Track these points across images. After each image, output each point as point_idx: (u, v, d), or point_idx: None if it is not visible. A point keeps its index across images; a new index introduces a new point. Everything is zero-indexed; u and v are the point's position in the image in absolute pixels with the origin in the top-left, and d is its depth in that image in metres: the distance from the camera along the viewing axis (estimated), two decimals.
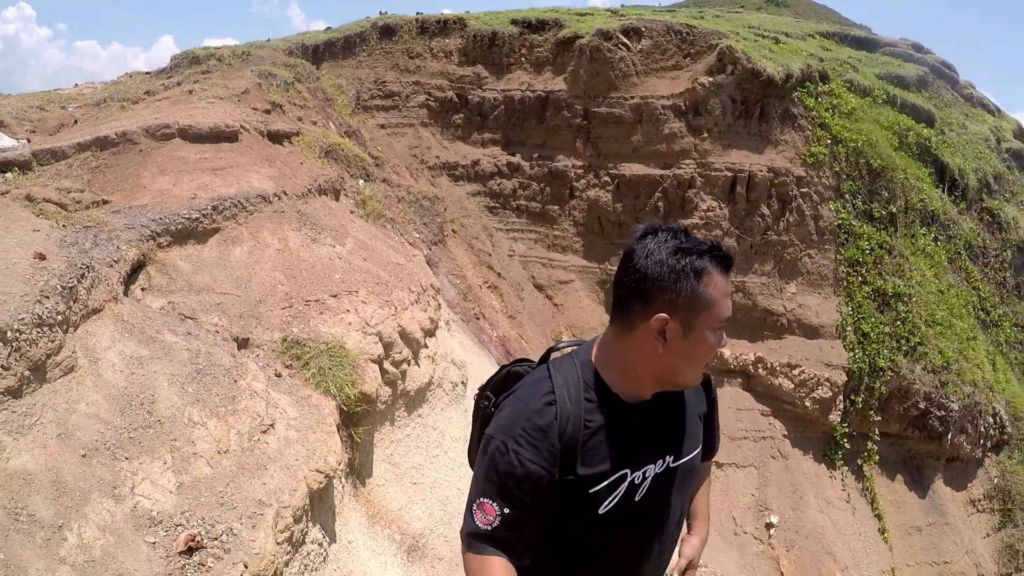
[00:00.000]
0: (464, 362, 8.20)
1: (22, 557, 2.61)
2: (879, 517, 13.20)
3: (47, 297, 3.44)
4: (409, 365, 6.69)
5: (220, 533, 3.35)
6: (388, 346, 6.36)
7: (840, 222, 13.44)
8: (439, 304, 8.38)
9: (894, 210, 14.18)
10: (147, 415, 3.64)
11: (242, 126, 7.70)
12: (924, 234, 14.98)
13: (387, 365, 6.28)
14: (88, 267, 4.05)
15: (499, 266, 13.11)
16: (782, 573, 11.83)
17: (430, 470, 6.45)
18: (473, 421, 2.39)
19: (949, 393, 13.51)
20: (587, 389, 2.04)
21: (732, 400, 12.96)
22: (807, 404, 12.79)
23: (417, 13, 15.34)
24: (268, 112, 9.00)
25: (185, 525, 3.26)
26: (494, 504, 1.95)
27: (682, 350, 2.00)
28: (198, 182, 6.46)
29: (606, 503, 2.03)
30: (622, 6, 23.43)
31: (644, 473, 2.08)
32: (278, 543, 3.68)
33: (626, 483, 2.05)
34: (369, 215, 9.63)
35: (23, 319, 3.19)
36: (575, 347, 2.22)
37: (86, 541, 2.84)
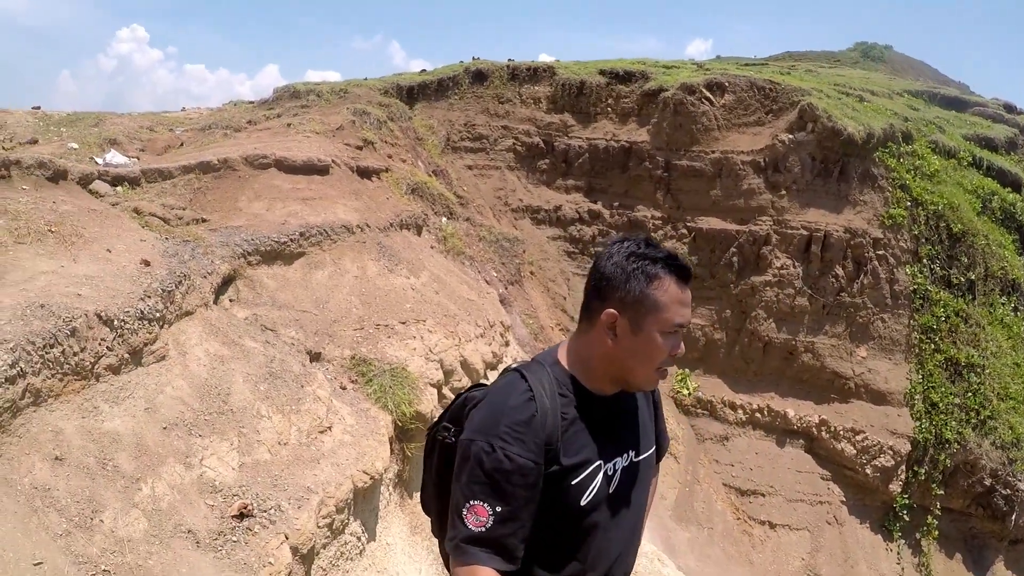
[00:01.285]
0: None
1: (104, 497, 3.28)
2: None
3: (149, 297, 4.18)
4: None
5: (269, 508, 3.97)
6: (448, 373, 6.95)
7: (916, 287, 13.37)
8: (506, 340, 8.93)
9: (973, 277, 13.98)
10: (222, 403, 4.33)
11: (333, 160, 8.51)
12: (1003, 303, 14.58)
13: (445, 391, 6.86)
14: (185, 276, 4.81)
15: (573, 310, 13.51)
16: None
17: None
18: (426, 460, 2.44)
19: (1017, 472, 13.11)
20: (559, 385, 2.15)
21: (792, 461, 12.97)
22: (868, 472, 12.67)
23: (509, 60, 16.13)
24: (360, 148, 9.79)
25: (240, 496, 3.90)
26: (485, 505, 2.00)
27: (631, 347, 2.13)
28: (289, 209, 7.25)
29: (587, 493, 2.12)
30: (718, 57, 23.77)
31: (614, 465, 2.21)
32: (319, 526, 4.29)
33: (601, 474, 2.16)
34: (449, 251, 10.28)
35: (128, 312, 3.92)
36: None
37: (157, 494, 3.51)
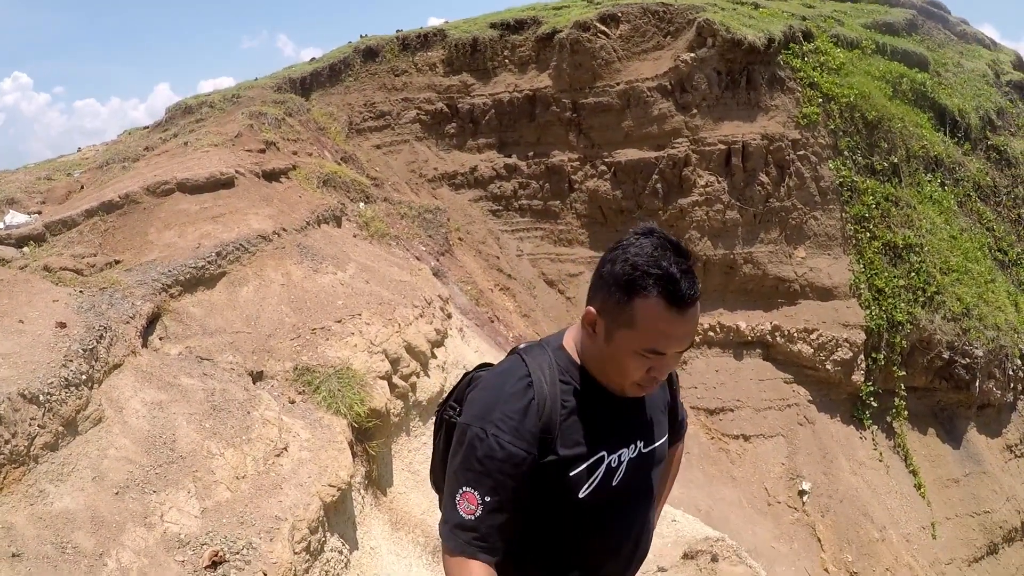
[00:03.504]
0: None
1: None
2: (914, 473, 13.37)
3: (71, 361, 4.09)
4: (418, 377, 7.26)
5: (241, 548, 3.96)
6: (395, 362, 6.94)
7: (842, 180, 13.70)
8: (447, 315, 8.92)
9: (896, 160, 14.38)
10: (170, 452, 4.28)
11: (237, 171, 8.35)
12: (930, 181, 15.11)
13: (396, 380, 6.86)
14: (105, 328, 4.71)
15: (508, 267, 13.61)
16: (819, 539, 12.04)
17: None
18: (435, 439, 2.44)
19: (972, 340, 13.69)
20: (561, 372, 2.12)
21: (753, 371, 13.28)
22: (828, 367, 13.04)
23: (397, 31, 15.89)
24: (263, 151, 9.62)
25: (209, 543, 3.87)
26: (475, 493, 2.00)
27: (602, 352, 2.08)
28: (201, 231, 7.12)
29: (586, 487, 2.09)
30: None
31: (619, 456, 2.16)
32: (295, 553, 4.28)
33: (603, 466, 2.12)
34: (373, 236, 10.20)
35: (52, 383, 3.84)
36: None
37: (124, 565, 3.47)
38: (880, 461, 13.25)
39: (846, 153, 13.96)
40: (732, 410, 13.04)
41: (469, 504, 2.00)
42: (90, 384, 4.19)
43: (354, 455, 5.76)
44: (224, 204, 7.69)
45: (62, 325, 4.39)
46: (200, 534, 3.92)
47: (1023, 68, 22.54)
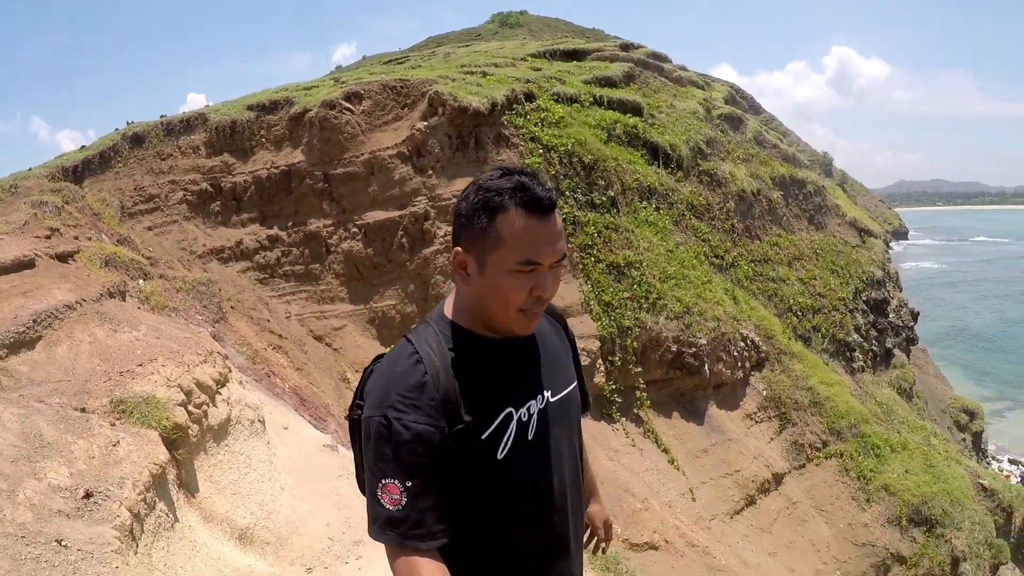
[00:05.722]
0: (258, 405, 11.04)
1: None
2: (666, 451, 15.87)
3: None
4: (208, 407, 9.50)
5: (102, 490, 6.26)
6: (188, 393, 9.17)
7: (564, 216, 16.59)
8: (228, 368, 11.10)
9: (613, 194, 17.82)
10: (40, 441, 6.51)
11: (36, 254, 10.37)
12: (645, 207, 18.67)
13: (191, 408, 9.09)
14: None
15: (279, 328, 15.56)
16: None
17: (244, 483, 9.26)
18: (352, 442, 2.35)
19: (695, 332, 16.82)
20: (447, 340, 2.14)
21: None
22: None
23: (161, 116, 18.08)
24: (49, 237, 11.58)
25: (81, 487, 6.16)
26: (395, 481, 1.99)
27: (480, 288, 2.08)
28: (15, 304, 9.17)
29: (502, 444, 2.11)
30: (364, 58, 26.92)
31: (528, 409, 2.19)
32: (138, 498, 6.59)
33: (514, 421, 2.15)
34: (154, 308, 12.27)
35: None
36: None
37: (29, 496, 5.73)
38: (633, 446, 15.64)
39: (567, 193, 17.19)
40: None
41: (392, 495, 2.01)
42: None
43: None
44: (30, 282, 9.74)
45: None
46: (73, 485, 6.19)
47: (735, 101, 27.68)
